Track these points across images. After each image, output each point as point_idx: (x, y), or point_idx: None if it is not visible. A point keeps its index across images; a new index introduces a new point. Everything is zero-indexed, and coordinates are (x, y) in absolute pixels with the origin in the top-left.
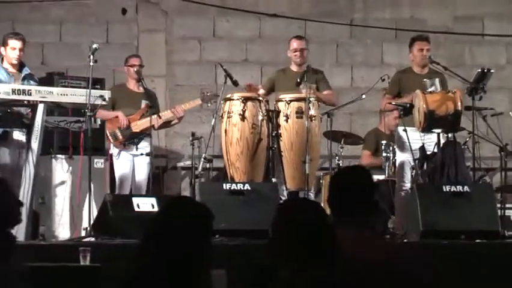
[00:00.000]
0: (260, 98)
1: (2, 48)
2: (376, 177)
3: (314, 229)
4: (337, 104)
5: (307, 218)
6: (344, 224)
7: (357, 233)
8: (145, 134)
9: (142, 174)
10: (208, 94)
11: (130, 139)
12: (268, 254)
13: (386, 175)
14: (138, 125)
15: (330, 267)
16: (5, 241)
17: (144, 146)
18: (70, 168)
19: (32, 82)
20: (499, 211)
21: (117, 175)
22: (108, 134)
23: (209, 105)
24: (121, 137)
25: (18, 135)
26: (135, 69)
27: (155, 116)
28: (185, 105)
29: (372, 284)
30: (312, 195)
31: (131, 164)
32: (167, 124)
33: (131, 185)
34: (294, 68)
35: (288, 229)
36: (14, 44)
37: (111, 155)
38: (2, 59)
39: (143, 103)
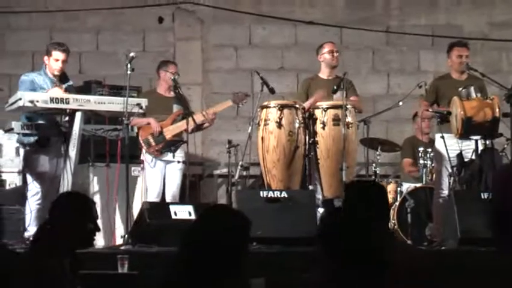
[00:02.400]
0: (297, 106)
1: (46, 57)
2: (414, 184)
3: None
4: (362, 111)
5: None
6: None
7: None
8: (182, 141)
9: (174, 182)
10: (239, 94)
11: (167, 147)
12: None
13: (424, 182)
14: (170, 130)
15: None
16: (72, 262)
17: (178, 153)
18: (107, 176)
19: None
20: None
21: (148, 183)
22: (141, 141)
23: (240, 105)
24: (154, 143)
25: (57, 143)
26: (173, 77)
27: (188, 119)
28: (217, 108)
29: None
30: None
31: (163, 172)
32: (199, 127)
33: (163, 192)
34: (323, 75)
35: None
36: (58, 55)
37: (143, 162)
38: (46, 66)
39: (175, 108)
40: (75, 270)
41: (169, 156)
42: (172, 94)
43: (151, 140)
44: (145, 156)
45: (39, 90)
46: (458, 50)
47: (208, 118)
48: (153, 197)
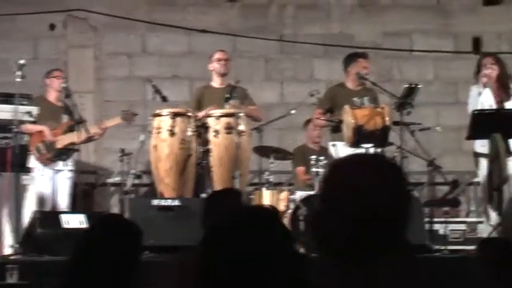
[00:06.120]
0: (190, 114)
1: None
2: (306, 192)
3: None
4: (262, 119)
5: None
6: None
7: None
8: (74, 150)
9: (65, 190)
10: (128, 113)
11: (59, 155)
12: None
13: (316, 190)
14: (62, 139)
15: None
16: None
17: (67, 162)
18: None
19: None
20: (426, 225)
21: (38, 192)
22: (32, 149)
23: (128, 123)
24: (45, 151)
25: None
26: (63, 85)
27: (81, 129)
28: (107, 122)
29: None
30: None
31: (53, 180)
32: (89, 139)
33: (53, 201)
34: (215, 83)
35: None
36: None
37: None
38: None
39: (65, 118)
40: None
41: (58, 165)
42: (60, 103)
43: (42, 148)
44: (35, 164)
45: None
46: (364, 62)
47: (99, 131)
48: (44, 206)
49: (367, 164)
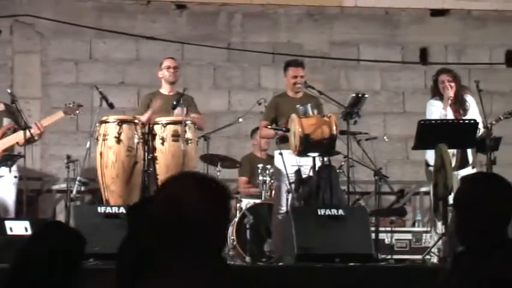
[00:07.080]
0: (136, 121)
1: None
2: (253, 200)
3: None
4: (204, 129)
5: None
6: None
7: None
8: (19, 156)
9: (7, 197)
10: (71, 105)
11: (4, 161)
12: None
13: (263, 198)
14: (0, 144)
15: None
16: None
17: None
18: None
19: None
20: (373, 234)
21: None
22: None
23: (72, 116)
24: None
25: None
26: (9, 90)
27: (25, 132)
28: (47, 120)
29: None
30: None
31: None
32: (29, 140)
33: None
34: (164, 91)
35: None
36: None
37: None
38: None
39: (5, 121)
40: None
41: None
42: (1, 107)
43: None
44: None
45: None
46: (293, 70)
47: (37, 130)
48: None
49: (187, 183)
